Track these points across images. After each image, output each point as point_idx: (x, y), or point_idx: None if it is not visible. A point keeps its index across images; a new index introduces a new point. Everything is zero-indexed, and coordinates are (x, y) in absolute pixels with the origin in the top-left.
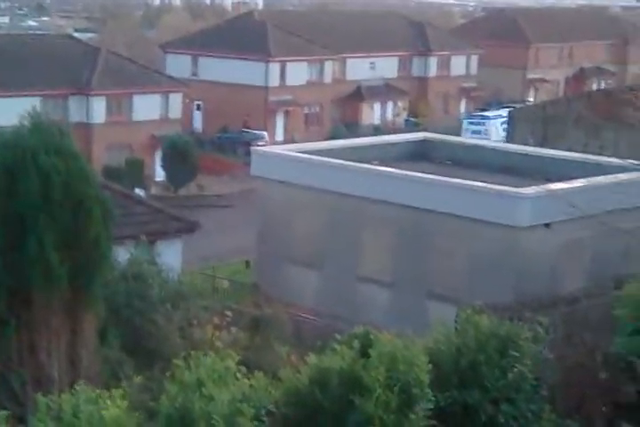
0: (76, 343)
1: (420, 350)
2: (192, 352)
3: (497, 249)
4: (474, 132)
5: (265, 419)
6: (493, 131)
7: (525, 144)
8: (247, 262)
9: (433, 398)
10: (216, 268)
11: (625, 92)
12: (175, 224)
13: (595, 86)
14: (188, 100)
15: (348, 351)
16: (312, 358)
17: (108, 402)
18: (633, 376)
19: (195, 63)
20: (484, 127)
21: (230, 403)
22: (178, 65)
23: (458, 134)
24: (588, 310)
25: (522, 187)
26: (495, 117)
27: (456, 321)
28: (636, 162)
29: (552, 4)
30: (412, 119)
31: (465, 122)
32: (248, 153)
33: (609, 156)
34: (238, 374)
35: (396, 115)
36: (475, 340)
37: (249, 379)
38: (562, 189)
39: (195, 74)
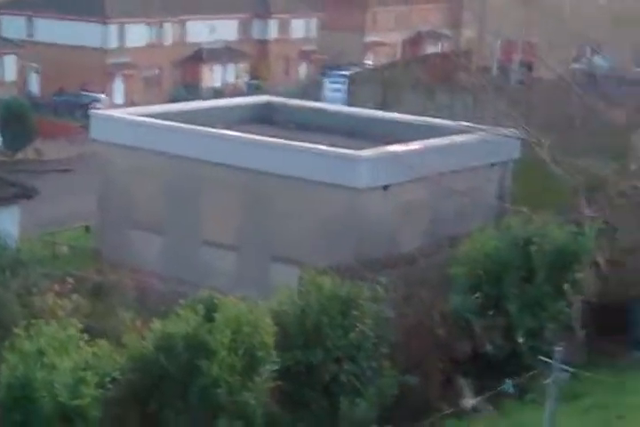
0: None
1: (264, 313)
2: (32, 321)
3: (337, 211)
4: (335, 90)
5: (110, 386)
6: None
7: (365, 107)
8: (87, 228)
9: (278, 360)
10: (56, 234)
11: (460, 56)
12: (11, 190)
13: (431, 50)
14: (23, 63)
15: (193, 316)
16: (156, 324)
17: None
18: (469, 333)
19: (30, 25)
20: (344, 86)
21: (73, 371)
22: (13, 27)
23: (299, 97)
24: (426, 270)
25: (361, 149)
26: None
27: (300, 283)
28: (469, 124)
29: None
30: (253, 82)
31: (325, 81)
32: (86, 116)
33: (445, 118)
34: (81, 342)
35: (237, 78)
36: (318, 301)
37: (92, 347)
38: (399, 152)
39: (30, 35)
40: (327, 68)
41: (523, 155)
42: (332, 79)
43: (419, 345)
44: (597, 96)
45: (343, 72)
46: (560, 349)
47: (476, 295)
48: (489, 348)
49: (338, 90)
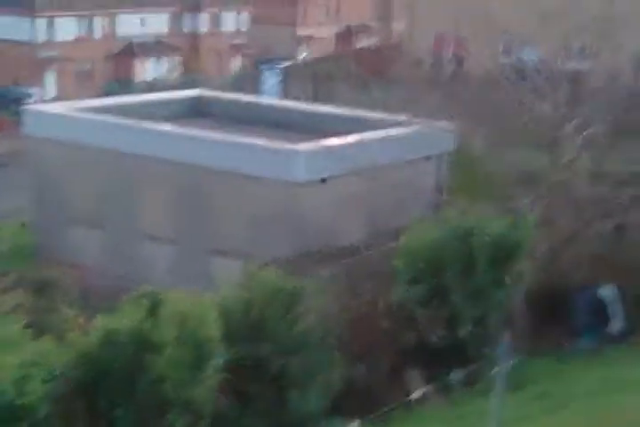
0: None
1: (209, 307)
2: None
3: (276, 205)
4: (273, 84)
5: (55, 383)
6: None
7: (298, 101)
8: (23, 224)
9: (225, 354)
10: None
11: (391, 50)
12: None
13: (363, 43)
14: None
15: (137, 311)
16: (100, 320)
17: None
18: (414, 324)
19: None
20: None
21: (19, 368)
22: None
23: (231, 90)
24: (368, 262)
25: (297, 143)
26: None
27: (242, 276)
28: (403, 117)
29: None
30: (185, 76)
31: (265, 73)
32: (18, 111)
33: (379, 111)
34: (25, 338)
35: (168, 71)
36: (261, 295)
37: (37, 343)
38: (335, 145)
39: None
40: (262, 61)
41: (457, 148)
42: (269, 72)
43: (364, 337)
44: (527, 90)
45: (281, 65)
46: (504, 338)
47: (420, 287)
48: (434, 338)
49: (276, 83)
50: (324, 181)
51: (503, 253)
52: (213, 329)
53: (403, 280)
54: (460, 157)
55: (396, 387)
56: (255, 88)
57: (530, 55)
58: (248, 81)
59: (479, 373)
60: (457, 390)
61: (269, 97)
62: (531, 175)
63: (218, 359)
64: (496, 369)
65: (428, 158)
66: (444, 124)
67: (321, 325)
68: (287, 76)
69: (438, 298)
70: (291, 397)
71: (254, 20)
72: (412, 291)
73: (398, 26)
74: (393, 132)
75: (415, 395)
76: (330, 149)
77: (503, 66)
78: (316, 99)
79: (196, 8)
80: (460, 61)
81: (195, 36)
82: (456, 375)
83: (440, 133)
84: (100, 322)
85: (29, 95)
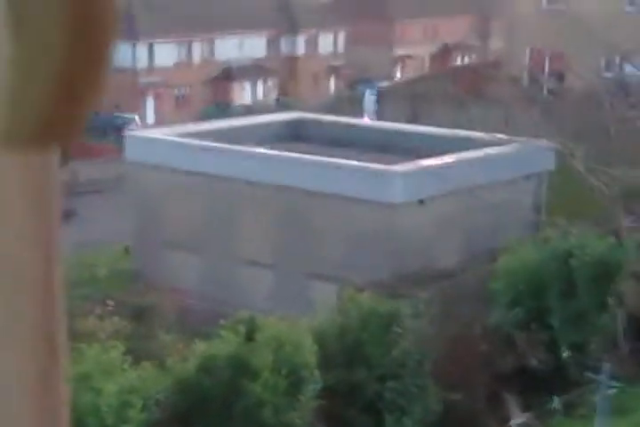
0: None
1: (304, 332)
2: (75, 344)
3: (373, 227)
4: (376, 102)
5: (154, 409)
6: None
7: (396, 121)
8: (126, 248)
9: (320, 379)
10: (94, 255)
11: (489, 68)
12: None
13: (459, 61)
14: None
15: (234, 337)
16: (198, 346)
17: None
18: (512, 347)
19: None
20: None
21: (118, 395)
22: None
23: (329, 112)
24: (465, 284)
25: (394, 164)
26: None
27: (338, 300)
28: (502, 136)
29: None
30: (282, 98)
31: (367, 93)
32: (120, 137)
33: (477, 130)
34: (124, 365)
35: (266, 94)
36: (357, 318)
37: (136, 369)
38: (433, 165)
39: None
40: (359, 81)
41: (557, 166)
42: (371, 91)
43: (461, 361)
44: (629, 105)
45: (379, 85)
46: (606, 363)
47: (518, 310)
48: (533, 363)
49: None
50: (421, 202)
51: (604, 275)
52: (309, 355)
53: (501, 303)
54: (560, 175)
55: (494, 413)
56: (353, 109)
57: (633, 70)
58: (345, 102)
59: (580, 399)
60: (557, 417)
61: (370, 117)
62: (632, 193)
63: (314, 385)
64: (598, 395)
65: (527, 177)
66: (543, 142)
67: (417, 348)
68: (384, 96)
69: (538, 321)
70: (387, 423)
71: (350, 41)
72: (510, 313)
73: (496, 43)
74: (491, 151)
75: (515, 422)
76: (428, 169)
77: (605, 81)
78: (413, 119)
79: (293, 30)
80: (560, 77)
81: (292, 59)
82: (557, 401)
83: (539, 152)
84: (199, 348)
85: (130, 121)
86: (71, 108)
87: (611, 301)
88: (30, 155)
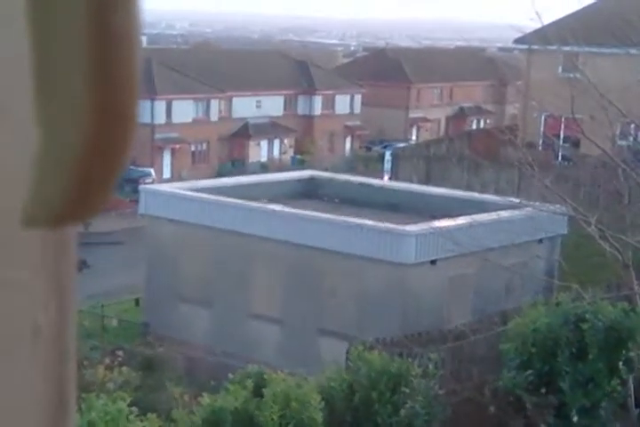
0: None
1: (312, 389)
2: (83, 394)
3: (385, 286)
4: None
5: None
6: None
7: (410, 182)
8: (137, 300)
9: None
10: (105, 306)
11: (504, 132)
12: None
13: (474, 125)
14: None
15: (242, 391)
16: (205, 399)
17: None
18: (521, 410)
19: None
20: None
21: None
22: None
23: (344, 172)
24: (475, 345)
25: (407, 224)
26: None
27: (347, 358)
28: (515, 200)
29: (431, 45)
30: (298, 157)
31: (386, 153)
32: (135, 190)
33: (490, 193)
34: (131, 416)
35: (282, 153)
36: (366, 377)
37: (142, 421)
38: (446, 226)
39: None
40: (374, 142)
41: (570, 231)
42: (389, 153)
43: (470, 422)
44: None
45: (394, 147)
46: None
47: (529, 372)
48: (543, 426)
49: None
50: (433, 262)
51: (616, 340)
52: (316, 411)
53: (511, 365)
54: (573, 240)
55: None
56: (368, 169)
57: None
58: (360, 162)
59: None
60: None
61: (388, 177)
62: None
63: None
64: None
65: (540, 242)
66: (557, 207)
67: (426, 409)
68: (399, 157)
69: (548, 384)
70: None
71: (367, 103)
72: (520, 376)
73: (511, 108)
74: (505, 214)
75: None
76: (440, 230)
77: (620, 148)
78: (427, 180)
79: (310, 91)
80: (575, 144)
81: (308, 118)
82: None
83: (553, 217)
84: (206, 401)
85: (146, 175)
86: (94, 188)
87: (621, 366)
88: (48, 234)
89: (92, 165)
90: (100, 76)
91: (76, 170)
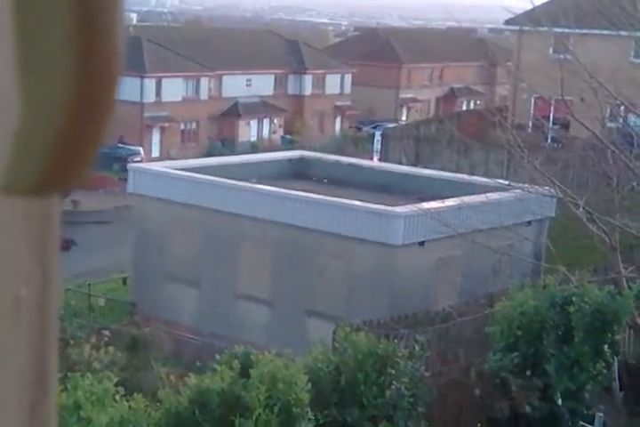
0: None
1: (299, 370)
2: (69, 373)
3: (373, 267)
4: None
5: None
6: None
7: (399, 163)
8: (124, 280)
9: (313, 417)
10: (92, 285)
11: (493, 114)
12: None
13: (464, 106)
14: None
15: (228, 372)
16: (192, 379)
17: None
18: (506, 392)
19: None
20: None
21: (109, 425)
22: None
23: (333, 152)
24: (462, 327)
25: (396, 205)
26: None
27: (334, 339)
28: (504, 182)
29: (422, 25)
30: (288, 137)
31: (376, 133)
32: (124, 169)
33: (479, 175)
34: (117, 396)
35: (272, 132)
36: (353, 358)
37: (128, 401)
38: (435, 208)
39: None
40: (364, 122)
41: (558, 213)
42: (378, 133)
43: (455, 405)
44: (634, 155)
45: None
46: (600, 413)
47: (514, 355)
48: (527, 409)
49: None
50: (422, 244)
51: (602, 324)
52: (303, 392)
53: (497, 347)
54: (562, 223)
55: None
56: (357, 149)
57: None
58: (350, 142)
59: None
60: None
61: (378, 158)
62: (633, 243)
63: (306, 423)
64: None
65: (528, 224)
66: (545, 189)
67: (412, 390)
68: (389, 138)
69: (533, 367)
70: None
71: (357, 83)
72: (506, 359)
73: (501, 89)
74: (493, 196)
75: None
76: (429, 211)
77: (610, 131)
78: (416, 161)
79: (301, 70)
80: (564, 126)
81: (299, 98)
82: None
83: (541, 199)
84: (192, 381)
85: (135, 153)
86: (73, 159)
87: (607, 349)
88: (31, 201)
89: (71, 135)
90: (80, 49)
91: (54, 140)
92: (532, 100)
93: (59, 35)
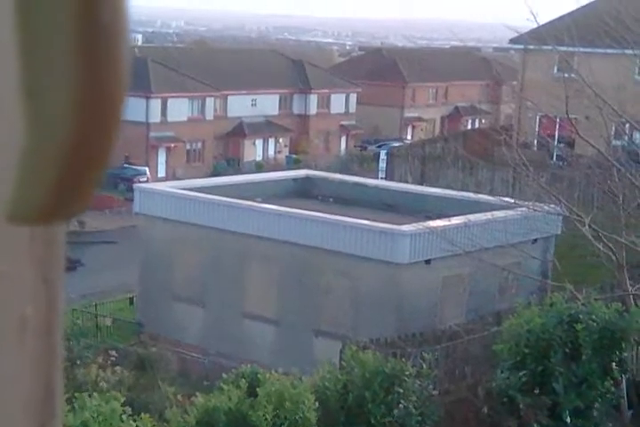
0: None
1: (306, 389)
2: (76, 394)
3: (379, 286)
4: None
5: None
6: None
7: (404, 182)
8: (131, 299)
9: None
10: (99, 305)
11: (499, 132)
12: None
13: (470, 125)
14: None
15: (235, 391)
16: (199, 398)
17: None
18: (514, 411)
19: None
20: None
21: None
22: None
23: (339, 171)
24: (469, 346)
25: (402, 224)
26: None
27: (341, 358)
28: (510, 200)
29: (426, 44)
30: (293, 156)
31: (382, 153)
32: (130, 189)
33: (485, 193)
34: (124, 416)
35: (277, 152)
36: (360, 377)
37: (135, 421)
38: (440, 226)
39: None
40: (369, 142)
41: (564, 231)
42: (383, 152)
43: (463, 423)
44: (638, 173)
45: (390, 146)
46: None
47: (522, 373)
48: None
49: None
50: (428, 262)
51: (610, 341)
52: (309, 411)
53: (504, 366)
54: (567, 240)
55: None
56: (363, 168)
57: None
58: (355, 162)
59: None
60: None
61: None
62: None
63: None
64: None
65: (534, 242)
66: (551, 207)
67: (419, 409)
68: (394, 156)
69: (541, 385)
70: None
71: (362, 102)
72: (513, 377)
73: (507, 108)
74: (499, 214)
75: None
76: (435, 230)
77: (615, 148)
78: (422, 180)
79: (306, 90)
80: (570, 144)
81: (304, 117)
82: None
83: (547, 217)
84: (199, 400)
85: (141, 173)
86: (79, 183)
87: (615, 367)
88: (36, 228)
89: (76, 162)
90: (86, 72)
91: (60, 167)
92: (537, 119)
93: (64, 58)
